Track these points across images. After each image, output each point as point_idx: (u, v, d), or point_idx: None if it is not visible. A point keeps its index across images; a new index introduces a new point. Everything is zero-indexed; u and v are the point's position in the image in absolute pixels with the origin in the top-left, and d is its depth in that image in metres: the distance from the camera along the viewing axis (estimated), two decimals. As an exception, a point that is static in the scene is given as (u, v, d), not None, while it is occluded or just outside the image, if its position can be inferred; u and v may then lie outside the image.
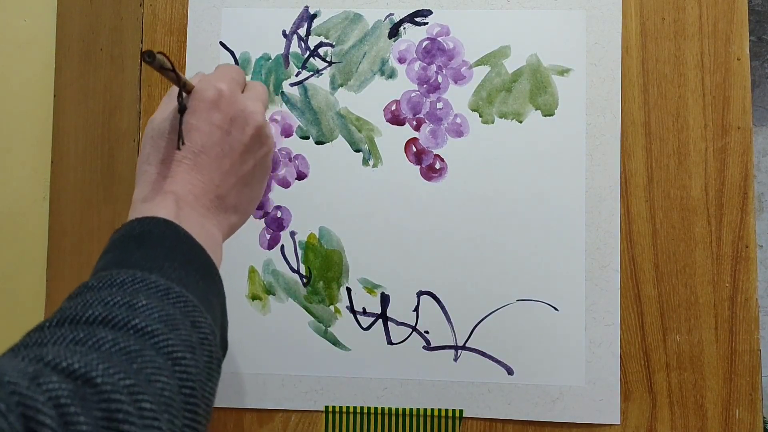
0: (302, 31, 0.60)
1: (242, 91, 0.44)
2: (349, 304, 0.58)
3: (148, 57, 0.36)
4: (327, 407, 0.57)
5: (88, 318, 0.29)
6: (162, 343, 0.29)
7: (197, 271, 0.36)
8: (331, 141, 0.59)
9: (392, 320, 0.57)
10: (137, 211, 0.39)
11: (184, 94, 0.40)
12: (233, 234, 0.44)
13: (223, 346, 0.38)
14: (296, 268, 0.59)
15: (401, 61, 0.59)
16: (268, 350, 0.58)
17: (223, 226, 0.41)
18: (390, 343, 0.57)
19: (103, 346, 0.27)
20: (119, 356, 0.27)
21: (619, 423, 0.55)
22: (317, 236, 0.58)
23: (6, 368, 0.23)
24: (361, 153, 0.59)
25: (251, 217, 0.59)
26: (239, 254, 0.58)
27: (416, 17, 0.59)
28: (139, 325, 0.29)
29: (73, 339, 0.27)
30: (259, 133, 0.42)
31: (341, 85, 0.59)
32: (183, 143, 0.39)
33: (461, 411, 0.56)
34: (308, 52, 0.60)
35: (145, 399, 0.26)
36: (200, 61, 0.60)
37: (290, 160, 0.59)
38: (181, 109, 0.39)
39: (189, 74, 0.60)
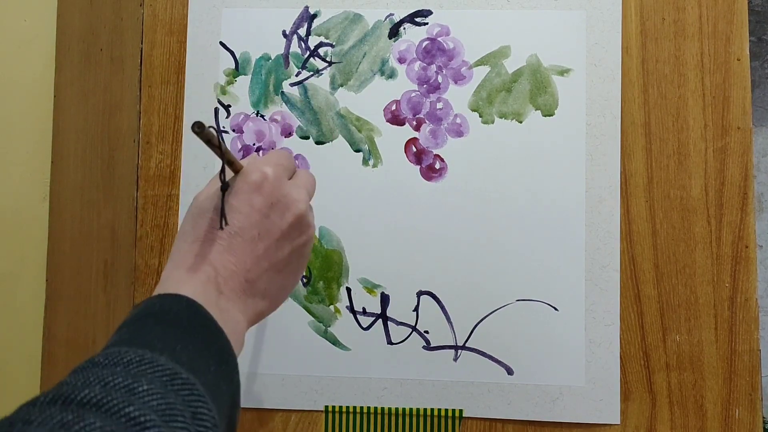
0: (302, 31, 0.60)
1: (289, 178, 0.43)
2: (349, 304, 0.58)
3: (197, 128, 0.35)
4: (327, 407, 0.57)
5: (82, 399, 0.27)
6: None
7: (212, 356, 0.35)
8: (331, 141, 0.59)
9: (392, 320, 0.57)
10: (163, 286, 0.38)
11: (227, 173, 0.39)
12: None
13: None
14: (296, 268, 0.59)
15: (401, 61, 0.59)
16: (268, 350, 0.58)
17: (249, 311, 0.40)
18: (390, 343, 0.57)
19: None
20: None
21: (618, 423, 0.55)
22: (317, 236, 0.58)
23: None
24: (361, 153, 0.59)
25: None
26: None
27: (416, 17, 0.59)
28: (133, 414, 0.27)
29: (60, 421, 0.26)
30: (300, 221, 0.42)
31: (341, 85, 0.59)
32: (227, 223, 0.39)
33: (461, 411, 0.56)
34: (308, 52, 0.60)
35: None
36: (200, 61, 0.60)
37: (290, 160, 0.59)
38: (224, 187, 0.39)
39: (189, 76, 0.60)
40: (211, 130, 0.37)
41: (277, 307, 0.43)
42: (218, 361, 0.35)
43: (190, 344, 0.34)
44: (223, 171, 0.39)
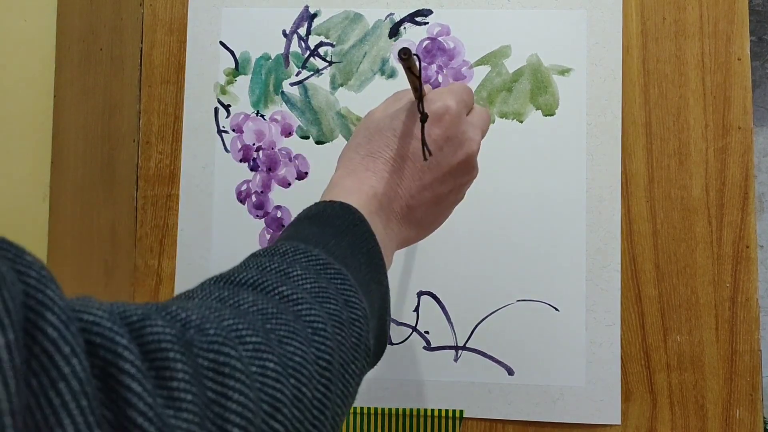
0: (302, 31, 0.60)
1: (467, 114, 0.43)
2: (349, 304, 0.58)
3: (404, 54, 0.36)
4: (327, 407, 0.57)
5: (240, 280, 0.29)
6: (305, 312, 0.28)
7: (363, 255, 0.35)
8: (332, 141, 0.59)
9: (392, 320, 0.57)
10: (330, 193, 0.39)
11: (422, 105, 0.40)
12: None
13: (382, 341, 0.36)
14: (296, 268, 0.58)
15: (401, 60, 0.59)
16: (268, 350, 0.58)
17: (400, 236, 0.41)
18: (390, 343, 0.57)
19: (242, 305, 0.27)
20: (255, 316, 0.26)
21: (619, 423, 0.55)
22: (317, 236, 0.58)
23: (96, 308, 0.20)
24: (361, 153, 0.59)
25: (252, 217, 0.59)
26: (239, 254, 0.58)
27: (417, 17, 0.59)
28: (285, 292, 0.28)
29: (218, 296, 0.27)
30: (469, 161, 0.42)
31: (341, 85, 0.59)
32: (431, 154, 0.39)
33: (461, 411, 0.56)
34: (308, 52, 0.60)
35: (269, 359, 0.24)
36: (200, 61, 0.60)
37: (290, 159, 0.59)
38: (423, 118, 0.39)
39: (189, 76, 0.60)
40: (415, 58, 0.37)
41: (423, 238, 0.44)
42: (368, 262, 0.36)
43: (344, 242, 0.35)
44: (420, 101, 0.39)
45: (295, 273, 0.30)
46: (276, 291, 0.28)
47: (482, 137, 0.44)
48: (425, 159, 0.39)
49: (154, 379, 0.20)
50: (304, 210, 0.38)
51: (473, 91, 0.58)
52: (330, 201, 0.38)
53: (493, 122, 0.58)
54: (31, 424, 0.17)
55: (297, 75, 0.60)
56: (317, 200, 0.59)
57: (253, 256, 0.32)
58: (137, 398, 0.19)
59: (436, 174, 0.41)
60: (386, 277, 0.38)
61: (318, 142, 0.59)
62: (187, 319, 0.23)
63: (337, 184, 0.40)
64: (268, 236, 0.59)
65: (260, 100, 0.60)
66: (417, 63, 0.38)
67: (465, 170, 0.42)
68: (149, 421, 0.19)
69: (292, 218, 0.59)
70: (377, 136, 0.41)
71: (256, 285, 0.29)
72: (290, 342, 0.26)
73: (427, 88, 0.42)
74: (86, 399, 0.18)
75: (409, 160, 0.40)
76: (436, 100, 0.40)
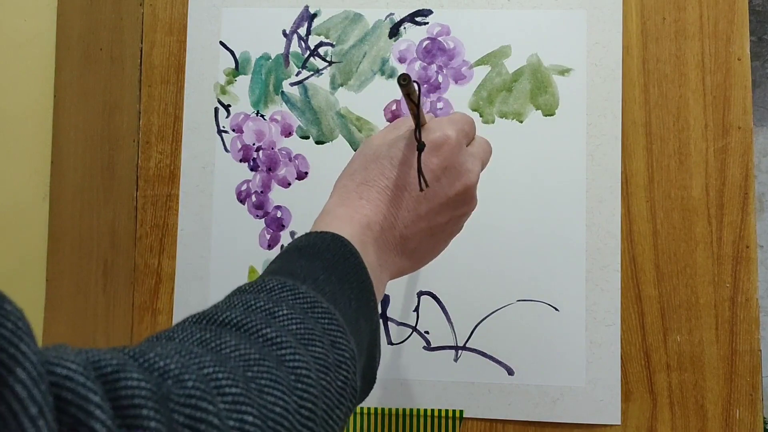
0: (302, 31, 0.60)
1: (467, 145, 0.42)
2: (349, 304, 0.58)
3: (403, 80, 0.35)
4: (327, 407, 0.57)
5: (224, 320, 0.28)
6: (288, 356, 0.27)
7: (353, 290, 0.35)
8: (332, 141, 0.59)
9: (392, 320, 0.57)
10: (322, 221, 0.39)
11: (419, 132, 0.39)
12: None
13: (369, 378, 0.36)
14: (296, 268, 0.58)
15: (401, 60, 0.59)
16: (268, 350, 0.58)
17: (395, 267, 0.40)
18: (390, 343, 0.57)
19: (224, 350, 0.26)
20: (236, 362, 0.25)
21: (619, 423, 0.55)
22: (317, 236, 0.58)
23: (71, 360, 0.20)
24: (361, 153, 0.59)
25: (252, 217, 0.59)
26: (239, 254, 0.58)
27: (416, 17, 0.59)
28: (270, 335, 0.28)
29: (200, 338, 0.26)
30: (466, 193, 0.41)
31: (341, 85, 0.59)
32: (427, 185, 0.38)
33: (461, 411, 0.56)
34: (308, 52, 0.60)
35: (248, 411, 0.24)
36: (200, 61, 0.60)
37: (290, 159, 0.59)
38: (420, 147, 0.38)
39: (189, 76, 0.60)
40: (415, 85, 0.37)
41: (419, 269, 0.43)
42: (358, 297, 0.35)
43: (333, 276, 0.34)
44: (418, 129, 0.39)
45: (281, 313, 0.29)
46: (260, 333, 0.28)
47: (482, 168, 0.43)
48: (421, 189, 0.38)
49: None
50: (294, 239, 0.37)
51: (473, 91, 0.58)
52: (321, 232, 0.37)
53: (493, 122, 0.58)
54: None
55: (297, 75, 0.60)
56: (316, 200, 0.59)
57: (239, 291, 0.31)
58: None
59: (433, 204, 0.40)
60: (377, 312, 0.37)
61: (318, 142, 0.59)
62: (165, 369, 0.23)
63: (330, 212, 0.39)
64: (268, 236, 0.59)
65: (260, 100, 0.60)
66: (417, 89, 0.37)
67: (463, 201, 0.42)
68: None
69: (292, 218, 0.59)
70: (373, 164, 0.40)
71: (240, 326, 0.28)
72: (271, 391, 0.25)
73: (428, 117, 0.42)
74: None
75: (406, 190, 0.39)
76: (436, 130, 0.40)
